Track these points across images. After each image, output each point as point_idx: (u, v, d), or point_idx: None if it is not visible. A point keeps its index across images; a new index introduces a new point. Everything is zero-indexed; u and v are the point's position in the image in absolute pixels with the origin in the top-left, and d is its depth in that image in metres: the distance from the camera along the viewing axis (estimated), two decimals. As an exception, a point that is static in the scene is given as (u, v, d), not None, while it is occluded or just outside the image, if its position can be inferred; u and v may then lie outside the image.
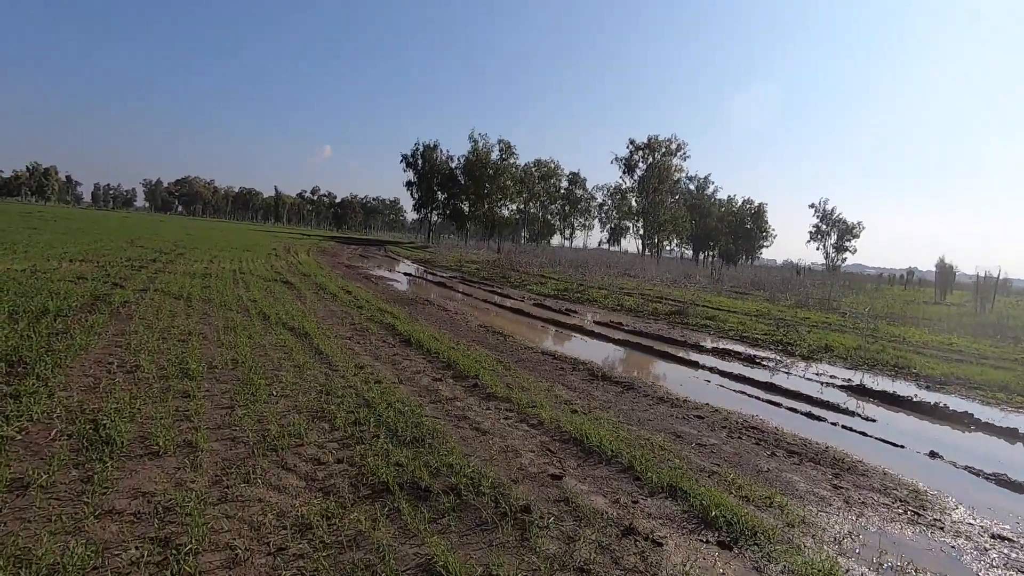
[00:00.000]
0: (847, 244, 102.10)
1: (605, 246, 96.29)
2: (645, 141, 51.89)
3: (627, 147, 52.95)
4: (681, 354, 10.62)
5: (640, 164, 53.16)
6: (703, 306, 17.66)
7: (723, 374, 9.25)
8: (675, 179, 54.35)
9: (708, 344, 12.06)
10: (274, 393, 5.90)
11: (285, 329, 9.43)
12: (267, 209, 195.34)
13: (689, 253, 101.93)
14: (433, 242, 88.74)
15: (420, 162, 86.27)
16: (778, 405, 7.57)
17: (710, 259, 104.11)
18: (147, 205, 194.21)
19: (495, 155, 77.93)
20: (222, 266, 19.38)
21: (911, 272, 71.42)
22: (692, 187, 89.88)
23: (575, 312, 16.11)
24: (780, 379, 9.31)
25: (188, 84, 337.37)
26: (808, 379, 9.56)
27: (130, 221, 62.89)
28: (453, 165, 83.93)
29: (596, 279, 26.21)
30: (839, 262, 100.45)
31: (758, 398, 7.92)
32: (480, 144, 76.77)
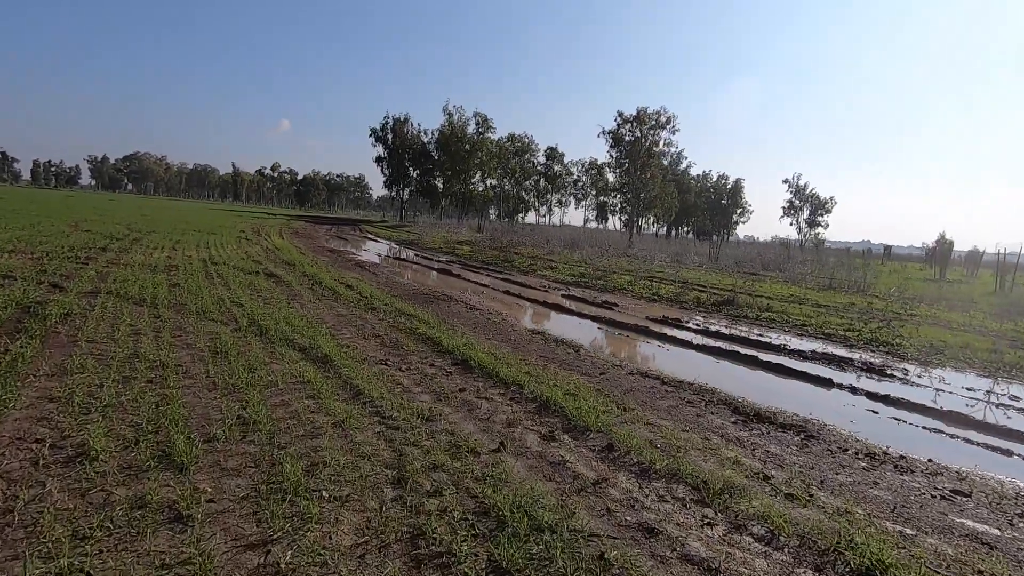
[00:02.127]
0: (819, 219, 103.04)
1: (592, 224, 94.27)
2: (634, 113, 49.62)
3: (615, 119, 50.52)
4: (795, 366, 8.58)
5: (627, 137, 50.88)
6: (749, 294, 15.76)
7: (873, 396, 7.26)
8: (664, 153, 52.35)
9: (803, 346, 10.09)
10: (324, 495, 3.53)
11: (294, 350, 6.95)
12: (224, 187, 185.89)
13: (662, 230, 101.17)
14: (408, 220, 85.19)
15: (390, 136, 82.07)
16: (1008, 453, 5.61)
17: (685, 235, 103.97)
18: (93, 183, 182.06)
19: (471, 129, 74.65)
20: (188, 254, 16.43)
21: (887, 248, 72.07)
22: (665, 162, 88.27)
23: (614, 304, 13.95)
24: (942, 399, 7.39)
25: (133, 54, 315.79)
26: (975, 398, 7.63)
27: (75, 200, 57.41)
28: (426, 140, 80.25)
29: (608, 262, 24.08)
30: (811, 236, 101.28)
31: (968, 440, 5.95)
32: (456, 117, 73.31)
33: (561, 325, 11.12)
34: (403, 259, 24.89)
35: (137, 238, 20.05)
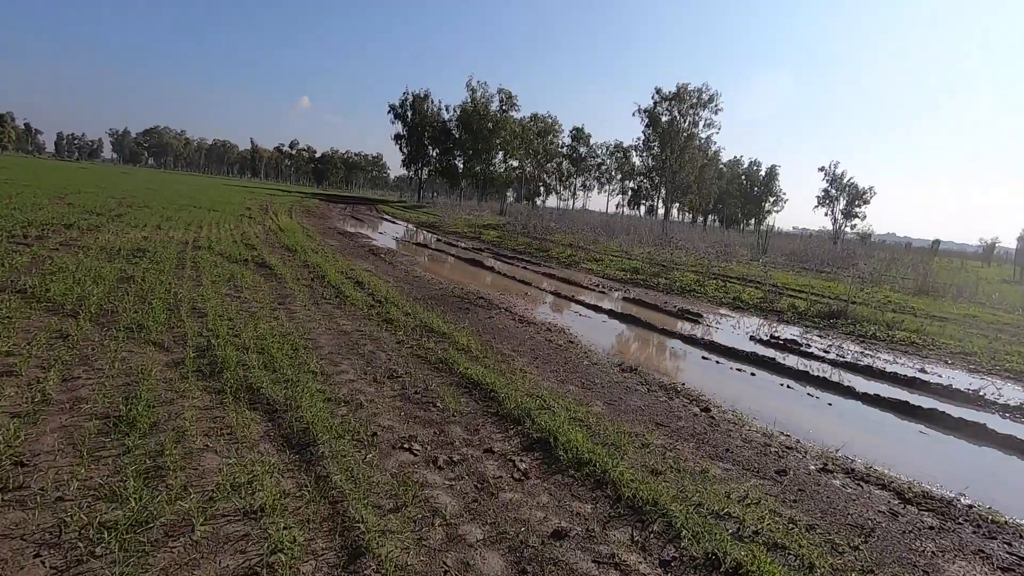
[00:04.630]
0: (856, 210, 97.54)
1: (624, 210, 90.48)
2: (673, 90, 45.68)
3: (652, 97, 46.65)
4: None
5: (664, 117, 47.08)
6: (862, 303, 12.55)
7: None
8: (705, 135, 48.37)
9: (1009, 394, 7.00)
10: None
11: (257, 412, 4.10)
12: (243, 163, 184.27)
13: (687, 217, 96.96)
14: (426, 201, 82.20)
15: (410, 113, 78.61)
16: None
17: (713, 224, 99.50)
18: (115, 157, 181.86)
19: (494, 106, 70.97)
20: (171, 235, 13.70)
21: (935, 243, 67.20)
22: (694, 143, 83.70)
23: (697, 316, 10.88)
24: None
25: (157, 30, 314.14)
26: None
27: (85, 173, 55.30)
28: (446, 117, 76.60)
29: (658, 254, 20.87)
30: (849, 227, 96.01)
31: None
32: (479, 93, 69.57)
33: (651, 352, 8.12)
34: (424, 245, 21.98)
35: (122, 214, 17.37)
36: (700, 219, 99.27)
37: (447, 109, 74.72)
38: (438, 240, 24.39)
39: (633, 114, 48.67)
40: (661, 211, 53.85)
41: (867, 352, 8.84)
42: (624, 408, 5.17)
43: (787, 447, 4.65)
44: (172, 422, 3.82)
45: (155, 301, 6.87)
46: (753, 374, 7.08)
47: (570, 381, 5.84)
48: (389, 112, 78.17)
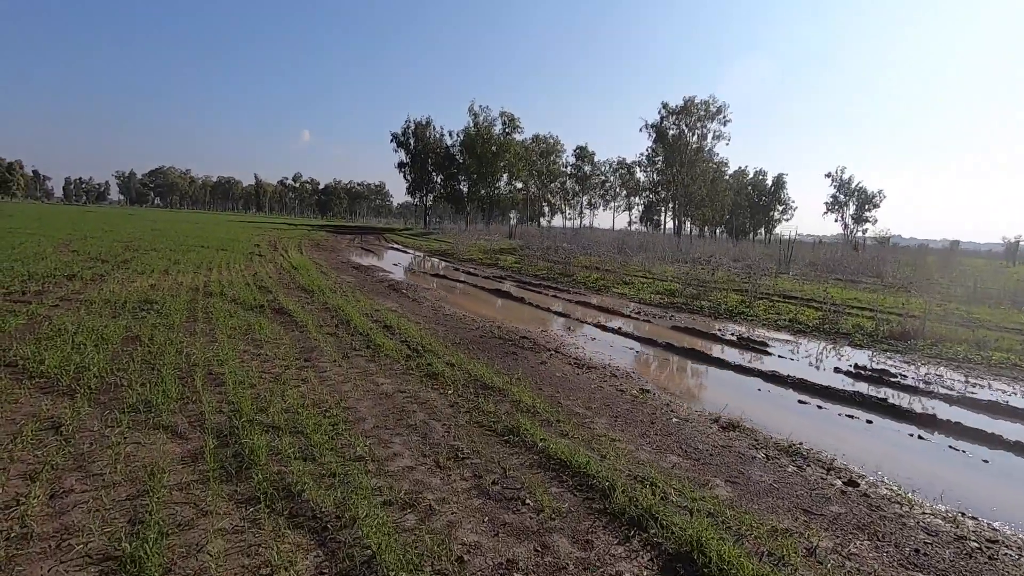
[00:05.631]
0: (867, 215, 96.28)
1: (636, 226, 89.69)
2: (680, 104, 45.18)
3: (658, 111, 46.18)
4: None
5: (672, 131, 46.48)
6: (939, 320, 11.43)
7: None
8: (712, 148, 47.68)
9: None
10: None
11: (300, 533, 3.08)
12: (247, 198, 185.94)
13: (695, 230, 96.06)
14: (433, 227, 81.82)
15: (412, 141, 78.80)
16: None
17: (720, 235, 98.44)
18: (122, 198, 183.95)
19: (497, 129, 70.86)
20: (180, 280, 12.85)
21: (955, 243, 65.84)
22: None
23: (762, 346, 9.83)
24: None
25: (159, 72, 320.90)
26: None
27: (92, 216, 55.27)
28: (450, 143, 76.62)
29: (695, 272, 19.82)
30: (859, 232, 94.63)
31: None
32: (481, 118, 69.56)
33: (739, 397, 6.99)
34: (443, 275, 21.07)
35: (128, 259, 16.60)
36: (708, 232, 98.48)
37: (450, 135, 74.86)
38: (455, 269, 23.50)
39: (640, 129, 48.28)
40: (670, 225, 52.90)
41: (973, 381, 7.75)
42: (753, 489, 4.12)
43: (990, 541, 3.58)
44: (192, 560, 2.84)
45: (165, 368, 5.93)
46: (870, 421, 6.01)
47: (668, 449, 4.80)
48: (392, 141, 78.53)
